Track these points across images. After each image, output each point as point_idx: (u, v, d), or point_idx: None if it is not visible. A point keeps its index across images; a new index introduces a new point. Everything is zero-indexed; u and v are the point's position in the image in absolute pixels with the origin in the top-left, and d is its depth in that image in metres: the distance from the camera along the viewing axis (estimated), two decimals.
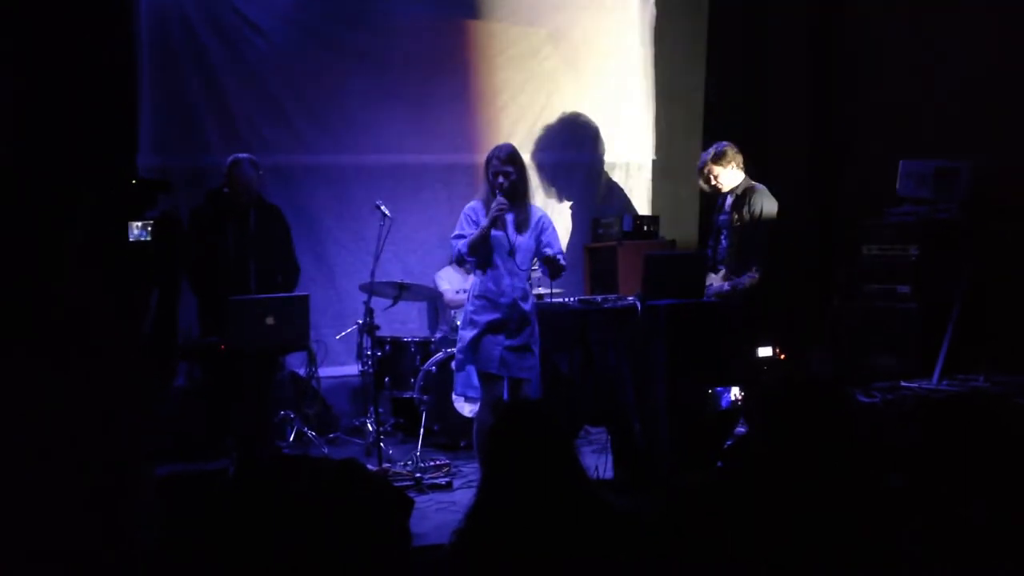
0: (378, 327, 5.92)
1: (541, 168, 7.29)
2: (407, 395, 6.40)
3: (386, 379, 6.39)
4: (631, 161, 7.75)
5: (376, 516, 1.91)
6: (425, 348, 6.47)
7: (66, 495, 1.95)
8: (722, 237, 6.01)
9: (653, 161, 7.77)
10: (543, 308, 5.16)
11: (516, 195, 4.81)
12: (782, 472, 2.14)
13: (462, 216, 4.93)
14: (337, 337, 6.62)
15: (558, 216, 7.34)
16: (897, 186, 5.76)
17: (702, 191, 6.27)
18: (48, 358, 1.94)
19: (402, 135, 6.99)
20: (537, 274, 5.30)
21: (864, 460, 2.17)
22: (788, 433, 2.17)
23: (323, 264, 6.81)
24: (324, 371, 6.48)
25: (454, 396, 5.80)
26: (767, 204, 5.83)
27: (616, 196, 7.70)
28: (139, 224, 2.44)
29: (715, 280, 5.82)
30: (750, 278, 5.61)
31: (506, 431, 2.43)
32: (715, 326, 5.14)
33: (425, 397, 6.13)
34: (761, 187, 5.89)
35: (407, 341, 6.51)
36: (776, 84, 7.14)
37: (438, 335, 6.66)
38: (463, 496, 5.07)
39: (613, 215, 7.43)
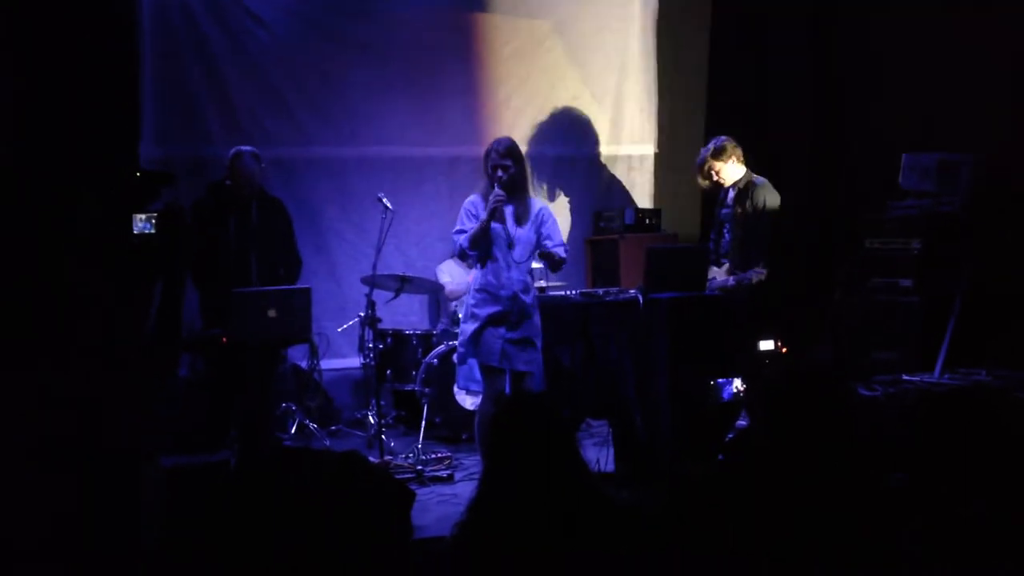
0: (380, 320, 5.92)
1: (543, 161, 7.28)
2: (409, 388, 6.41)
3: (388, 372, 6.40)
4: (633, 154, 7.74)
5: (378, 508, 1.91)
6: (427, 341, 6.48)
7: (66, 494, 1.95)
8: (724, 231, 6.00)
9: (656, 154, 7.77)
10: (545, 301, 5.16)
11: (515, 188, 4.82)
12: (783, 465, 2.14)
13: (462, 211, 4.93)
14: (339, 330, 6.63)
15: (560, 209, 7.34)
16: (900, 179, 5.74)
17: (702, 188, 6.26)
18: (48, 358, 1.95)
19: (404, 127, 6.98)
20: (539, 266, 5.30)
21: (865, 454, 2.17)
22: (789, 426, 2.17)
23: (325, 257, 6.81)
24: (326, 363, 6.50)
25: (456, 389, 5.81)
26: (770, 197, 5.82)
27: (618, 189, 7.70)
28: (143, 216, 2.44)
29: (718, 274, 5.81)
30: (756, 274, 5.59)
31: (508, 424, 2.43)
32: (717, 320, 5.15)
33: (427, 390, 6.13)
34: (763, 180, 5.88)
35: (409, 334, 6.51)
36: (778, 76, 7.12)
37: (440, 328, 6.66)
38: (464, 489, 5.08)
39: (615, 208, 7.43)
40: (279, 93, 6.73)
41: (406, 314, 6.96)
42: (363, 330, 6.15)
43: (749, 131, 6.28)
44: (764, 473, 2.15)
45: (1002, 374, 4.74)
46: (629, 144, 7.71)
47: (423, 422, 5.96)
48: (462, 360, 4.93)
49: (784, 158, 6.70)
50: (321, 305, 6.20)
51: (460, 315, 5.37)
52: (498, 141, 4.92)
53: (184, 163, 6.32)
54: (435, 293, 6.85)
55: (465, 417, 6.01)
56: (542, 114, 7.37)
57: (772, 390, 2.28)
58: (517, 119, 7.26)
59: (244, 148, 5.69)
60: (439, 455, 5.68)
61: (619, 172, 7.71)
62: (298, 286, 5.66)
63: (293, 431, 6.14)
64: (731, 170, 5.92)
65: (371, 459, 5.06)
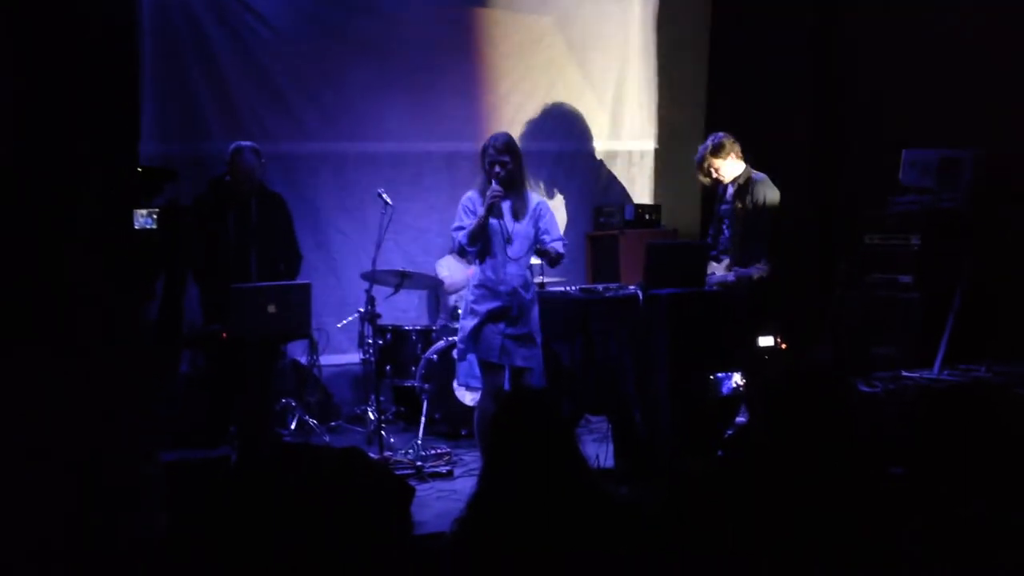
0: (379, 315, 5.92)
1: (543, 157, 7.28)
2: (408, 383, 6.41)
3: (387, 367, 6.40)
4: (633, 150, 7.74)
5: (377, 504, 1.91)
6: (426, 336, 6.48)
7: (66, 494, 1.96)
8: (724, 226, 6.00)
9: (656, 150, 7.77)
10: (544, 297, 5.16)
11: (512, 183, 4.82)
12: (783, 462, 2.14)
13: (460, 207, 4.93)
14: (339, 325, 6.63)
15: (560, 205, 7.34)
16: (900, 175, 5.74)
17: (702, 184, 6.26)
18: (48, 357, 1.95)
19: (404, 123, 6.98)
20: (539, 263, 5.30)
21: (865, 451, 2.17)
22: (790, 424, 2.17)
23: (325, 252, 6.81)
24: (325, 359, 6.49)
25: (455, 385, 5.81)
26: (770, 193, 5.82)
27: (618, 185, 7.70)
28: (145, 212, 2.44)
29: (718, 270, 5.81)
30: (759, 270, 5.59)
31: (508, 420, 2.43)
32: (717, 316, 5.15)
33: (426, 385, 6.14)
34: (763, 176, 5.88)
35: (408, 329, 6.51)
36: (778, 72, 7.11)
37: (439, 324, 6.66)
38: (464, 484, 5.09)
39: (615, 204, 7.42)
40: (279, 89, 6.72)
41: (406, 310, 6.96)
42: (363, 326, 6.16)
43: (749, 129, 6.27)
44: (764, 470, 2.15)
45: (1002, 370, 4.74)
46: (629, 140, 7.71)
47: (423, 418, 5.96)
48: (462, 356, 4.93)
49: (784, 156, 6.69)
50: (321, 301, 6.20)
51: (459, 311, 5.37)
52: (495, 137, 4.92)
53: (184, 160, 6.30)
54: (435, 289, 6.85)
55: (465, 413, 6.01)
56: (542, 110, 7.36)
57: (772, 388, 2.28)
58: (517, 115, 7.26)
59: (244, 144, 5.68)
60: (439, 451, 5.68)
61: (619, 168, 7.71)
62: (297, 282, 5.66)
63: (293, 427, 6.14)
64: (730, 166, 5.92)
65: (371, 455, 5.07)
